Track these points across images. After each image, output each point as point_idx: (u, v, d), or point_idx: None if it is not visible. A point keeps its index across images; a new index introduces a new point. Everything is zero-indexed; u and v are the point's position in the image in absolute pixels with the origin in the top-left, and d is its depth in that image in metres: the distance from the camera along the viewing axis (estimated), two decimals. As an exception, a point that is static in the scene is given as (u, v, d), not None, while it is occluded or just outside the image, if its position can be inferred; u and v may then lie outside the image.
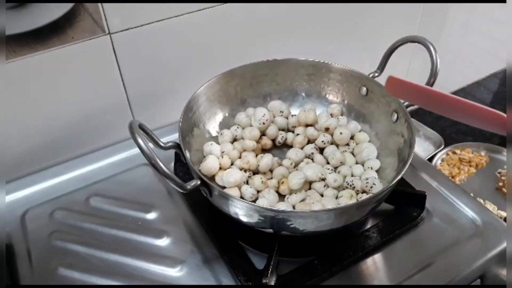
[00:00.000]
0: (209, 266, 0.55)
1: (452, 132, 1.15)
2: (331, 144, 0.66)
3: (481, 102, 0.43)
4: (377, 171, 0.62)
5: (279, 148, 0.69)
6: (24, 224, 0.61)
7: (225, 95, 0.68)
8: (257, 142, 0.66)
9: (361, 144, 0.65)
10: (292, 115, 0.70)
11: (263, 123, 0.66)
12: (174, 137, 0.73)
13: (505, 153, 1.04)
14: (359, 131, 0.68)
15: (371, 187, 0.57)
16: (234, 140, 0.67)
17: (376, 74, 0.68)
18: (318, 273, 0.53)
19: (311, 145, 0.66)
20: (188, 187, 0.48)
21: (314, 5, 0.82)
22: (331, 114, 0.69)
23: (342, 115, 0.70)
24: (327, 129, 0.67)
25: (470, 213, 0.62)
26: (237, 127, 0.67)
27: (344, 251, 0.56)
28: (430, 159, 1.04)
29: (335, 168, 0.63)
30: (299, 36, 0.85)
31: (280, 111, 0.70)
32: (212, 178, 0.60)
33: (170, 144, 0.56)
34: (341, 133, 0.65)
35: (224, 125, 0.69)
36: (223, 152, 0.63)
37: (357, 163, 0.64)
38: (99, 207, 0.63)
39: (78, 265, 0.56)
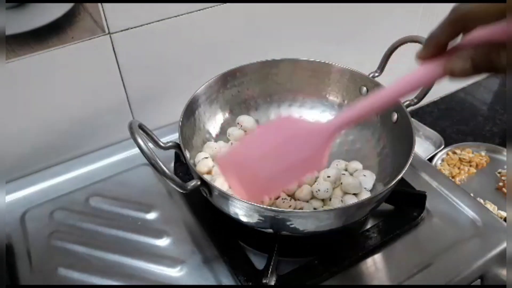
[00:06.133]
0: (209, 266, 0.55)
1: (452, 132, 1.15)
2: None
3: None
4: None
5: (279, 148, 0.69)
6: (24, 224, 0.61)
7: (225, 95, 0.68)
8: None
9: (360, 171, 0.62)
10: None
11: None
12: (174, 137, 0.73)
13: (505, 153, 1.04)
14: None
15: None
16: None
17: (376, 74, 0.67)
18: (318, 273, 0.53)
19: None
20: (188, 187, 0.48)
21: (314, 5, 0.82)
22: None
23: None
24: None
25: (470, 213, 0.62)
26: (238, 128, 0.67)
27: (344, 251, 0.56)
28: (430, 159, 1.04)
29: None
30: (299, 36, 0.85)
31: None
32: (212, 178, 0.60)
33: (170, 144, 0.56)
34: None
35: (224, 125, 0.69)
36: (223, 152, 0.63)
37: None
38: (99, 207, 0.63)
39: (78, 265, 0.56)
